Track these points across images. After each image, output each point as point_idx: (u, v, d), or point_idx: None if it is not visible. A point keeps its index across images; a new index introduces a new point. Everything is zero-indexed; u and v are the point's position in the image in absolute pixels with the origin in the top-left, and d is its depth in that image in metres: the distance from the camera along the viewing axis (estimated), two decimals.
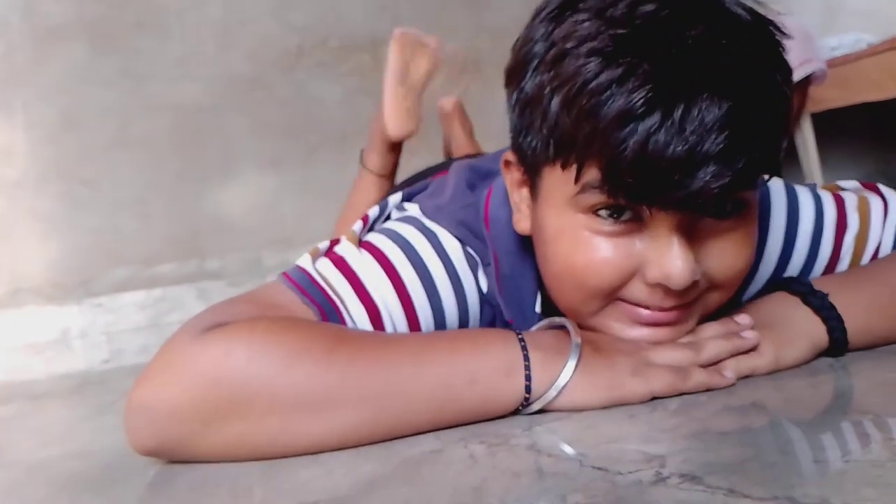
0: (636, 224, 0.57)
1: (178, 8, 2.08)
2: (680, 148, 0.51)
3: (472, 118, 1.68)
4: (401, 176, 1.50)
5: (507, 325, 0.69)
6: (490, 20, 2.19)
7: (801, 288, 0.65)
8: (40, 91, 2.01)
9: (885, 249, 0.73)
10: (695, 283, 0.57)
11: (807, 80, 1.76)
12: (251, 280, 2.02)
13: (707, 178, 0.51)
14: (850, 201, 0.73)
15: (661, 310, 0.59)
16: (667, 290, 0.57)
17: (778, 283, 0.69)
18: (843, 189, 0.75)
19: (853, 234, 0.72)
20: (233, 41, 2.11)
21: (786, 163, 1.92)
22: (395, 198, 0.76)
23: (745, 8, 0.55)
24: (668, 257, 0.55)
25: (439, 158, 1.67)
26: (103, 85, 2.05)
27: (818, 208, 0.72)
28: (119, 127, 2.06)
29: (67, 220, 2.02)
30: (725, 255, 0.58)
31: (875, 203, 0.73)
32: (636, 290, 0.58)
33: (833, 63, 1.90)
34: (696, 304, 0.61)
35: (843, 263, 0.73)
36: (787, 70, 0.56)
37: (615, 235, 0.57)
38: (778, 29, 0.56)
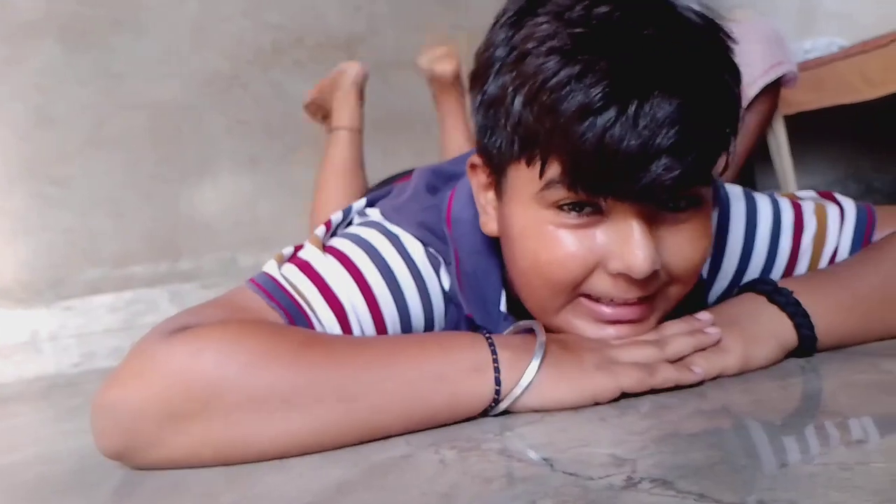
0: (598, 217, 0.58)
1: (153, 5, 2.06)
2: (634, 142, 0.53)
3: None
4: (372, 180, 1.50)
5: (471, 324, 0.70)
6: (466, 20, 2.19)
7: (766, 287, 0.66)
8: (12, 88, 1.98)
9: (842, 254, 0.75)
10: (655, 275, 0.59)
11: (778, 83, 1.77)
12: (226, 281, 2.01)
13: (659, 170, 0.53)
14: (808, 206, 0.76)
15: (625, 304, 0.61)
16: (629, 280, 0.58)
17: (744, 285, 0.70)
18: (799, 196, 0.78)
19: (811, 235, 0.75)
20: (209, 39, 2.10)
21: (759, 165, 1.95)
22: (359, 203, 0.78)
23: (695, 13, 0.58)
24: (629, 247, 0.57)
25: (421, 160, 1.66)
26: (78, 82, 2.02)
27: (776, 210, 0.75)
28: (93, 125, 2.03)
29: (39, 220, 1.99)
30: (683, 247, 0.60)
31: (832, 208, 0.76)
32: (599, 282, 0.60)
33: (807, 66, 1.92)
34: (658, 300, 0.62)
35: (802, 264, 0.75)
36: (736, 71, 0.59)
37: (578, 228, 0.59)
38: (727, 33, 0.59)
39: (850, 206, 0.76)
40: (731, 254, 0.74)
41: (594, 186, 0.56)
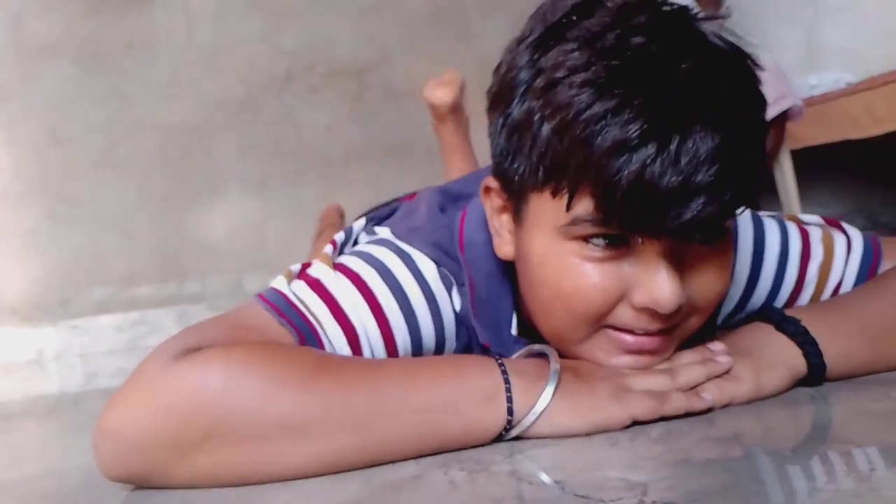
0: (624, 249, 0.57)
1: (167, 30, 2.09)
2: (675, 179, 0.52)
3: None
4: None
5: (482, 346, 0.69)
6: (478, 50, 2.21)
7: (775, 316, 0.66)
8: (26, 107, 2.01)
9: (847, 285, 0.74)
10: (678, 308, 0.57)
11: (783, 116, 1.79)
12: (232, 304, 1.99)
13: (698, 208, 0.52)
14: (815, 234, 0.75)
15: (647, 334, 0.60)
16: (653, 313, 0.57)
17: (752, 313, 0.69)
18: (806, 223, 0.77)
19: (817, 264, 0.74)
20: (222, 64, 2.12)
21: (766, 198, 1.95)
22: (360, 223, 0.77)
23: (723, 40, 0.57)
24: (656, 282, 0.56)
25: (428, 180, 1.67)
26: (91, 103, 2.05)
27: (784, 236, 0.74)
28: (105, 146, 2.05)
29: (48, 238, 2.01)
30: (707, 279, 0.59)
31: (839, 238, 0.75)
32: (623, 314, 0.59)
33: (813, 101, 1.94)
34: (677, 330, 0.61)
35: (807, 292, 0.75)
36: (765, 102, 0.58)
37: (603, 261, 0.57)
38: (754, 61, 0.58)
39: (856, 236, 0.76)
40: (738, 278, 0.73)
41: (629, 223, 0.54)
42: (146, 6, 2.08)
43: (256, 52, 2.15)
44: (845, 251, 0.74)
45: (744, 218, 0.74)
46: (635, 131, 0.51)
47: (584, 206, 0.55)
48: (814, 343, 0.64)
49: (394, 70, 2.23)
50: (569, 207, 0.56)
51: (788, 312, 0.66)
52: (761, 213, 0.76)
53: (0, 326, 1.93)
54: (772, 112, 1.82)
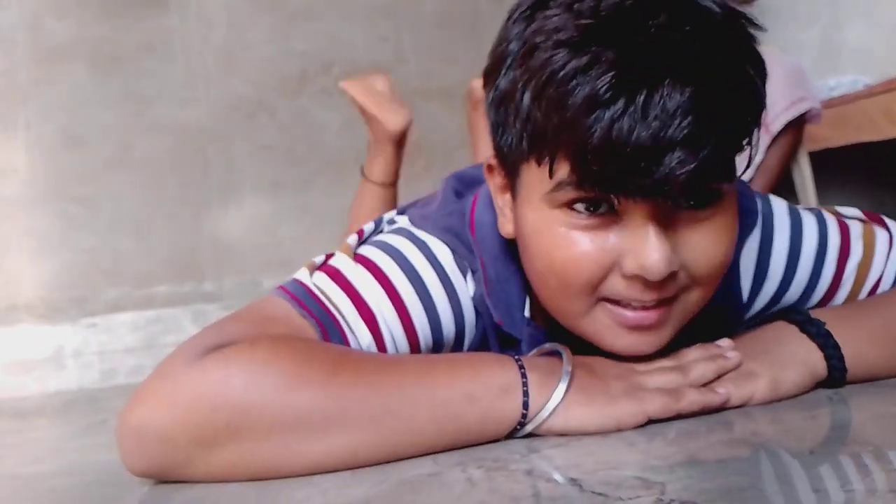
0: (612, 217, 0.56)
1: (182, 31, 2.10)
2: (644, 133, 0.51)
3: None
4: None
5: (500, 332, 0.69)
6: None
7: (799, 317, 0.65)
8: (42, 109, 2.02)
9: (886, 284, 0.73)
10: (673, 276, 0.57)
11: (802, 119, 1.77)
12: (247, 303, 2.01)
13: (673, 164, 0.51)
14: (855, 229, 0.73)
15: (643, 308, 0.59)
16: (645, 282, 0.56)
17: (776, 312, 0.69)
18: (845, 216, 0.75)
19: (856, 261, 0.72)
20: (236, 66, 2.13)
21: (784, 199, 1.94)
22: (390, 213, 0.77)
23: (716, 2, 0.56)
24: (643, 248, 0.55)
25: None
26: (106, 105, 2.06)
27: (822, 231, 0.72)
28: (120, 147, 2.06)
29: (64, 239, 2.02)
30: (703, 246, 0.58)
31: (881, 234, 0.73)
32: (615, 283, 0.58)
33: (831, 103, 1.92)
34: (677, 303, 0.60)
35: (843, 290, 0.73)
36: (760, 61, 0.56)
37: (591, 229, 0.57)
38: (751, 22, 0.57)
39: None
40: (773, 276, 0.71)
41: (603, 183, 0.53)
42: (161, 9, 2.09)
43: (271, 54, 2.16)
44: (886, 249, 0.72)
45: (780, 211, 0.72)
46: (603, 87, 0.51)
47: (564, 169, 0.55)
48: (836, 346, 0.63)
49: (408, 71, 2.23)
50: (551, 173, 0.55)
51: (813, 314, 0.66)
52: (799, 207, 0.74)
53: (17, 325, 1.95)
54: (789, 115, 1.80)
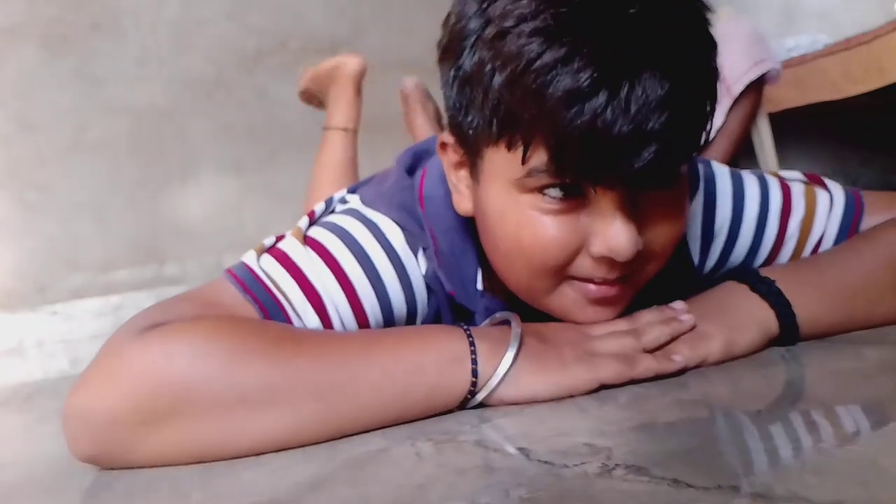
0: (580, 200, 0.57)
1: (133, 9, 2.05)
2: (625, 127, 0.51)
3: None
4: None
5: (453, 307, 0.69)
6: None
7: (749, 276, 0.66)
8: None
9: (828, 241, 0.74)
10: (636, 254, 0.57)
11: (761, 80, 1.78)
12: None
13: (650, 155, 0.52)
14: (797, 189, 0.75)
15: (606, 282, 0.60)
16: (611, 262, 0.58)
17: (726, 273, 0.69)
18: (788, 179, 0.76)
19: (798, 218, 0.73)
20: (190, 43, 2.08)
21: (744, 162, 1.95)
22: (340, 193, 0.76)
23: None
24: (612, 231, 0.56)
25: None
26: (58, 87, 2.01)
27: (764, 192, 0.73)
28: (75, 130, 2.01)
29: (22, 226, 1.98)
30: (663, 225, 0.59)
31: (822, 194, 0.75)
32: (582, 264, 0.59)
33: (790, 63, 1.93)
34: (635, 276, 0.61)
35: (787, 249, 0.74)
36: (714, 43, 0.57)
37: (560, 213, 0.57)
38: (705, 5, 0.57)
39: (838, 192, 0.75)
40: (718, 236, 0.73)
41: (582, 174, 0.54)
42: None
43: (226, 29, 2.11)
44: (827, 206, 0.74)
45: (722, 175, 0.74)
46: (586, 80, 0.51)
47: (539, 157, 0.55)
48: (787, 304, 0.64)
49: (368, 44, 2.20)
50: (524, 160, 0.55)
51: (763, 272, 0.66)
52: (741, 171, 0.76)
53: None
54: (750, 76, 1.80)
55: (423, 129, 1.57)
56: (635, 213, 0.57)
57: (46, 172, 1.99)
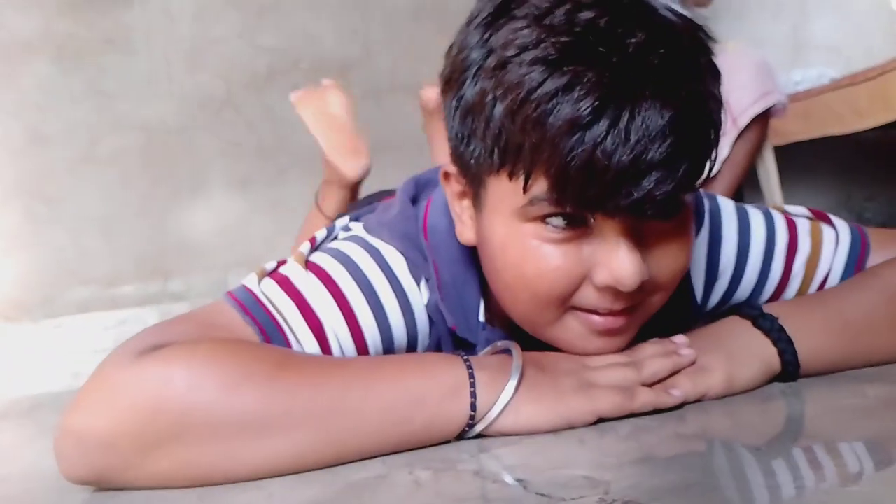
0: (584, 229, 0.57)
1: (146, 27, 2.07)
2: (626, 156, 0.51)
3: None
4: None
5: (455, 338, 0.68)
6: None
7: (752, 312, 0.65)
8: (6, 106, 1.98)
9: (834, 279, 0.74)
10: (641, 285, 0.57)
11: (767, 113, 1.78)
12: None
13: (651, 185, 0.52)
14: (803, 226, 0.74)
15: (611, 313, 0.59)
16: (616, 292, 0.57)
17: (729, 308, 0.69)
18: (792, 214, 0.76)
19: (804, 258, 0.73)
20: (202, 61, 2.10)
21: (749, 194, 1.95)
22: (343, 220, 0.76)
23: (675, 14, 0.56)
24: (616, 261, 0.56)
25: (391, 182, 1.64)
26: (70, 101, 2.02)
27: (769, 228, 0.73)
28: (85, 145, 2.03)
29: (29, 238, 1.98)
30: (668, 255, 0.59)
31: (827, 231, 0.74)
32: (587, 294, 0.58)
33: (797, 97, 1.94)
34: (640, 307, 0.61)
35: (793, 287, 0.74)
36: (717, 73, 0.57)
37: (563, 242, 0.57)
38: (707, 34, 0.57)
39: (844, 229, 0.75)
40: (724, 273, 0.72)
41: (583, 202, 0.54)
42: (125, 3, 2.06)
43: (237, 49, 2.13)
44: (833, 244, 0.74)
45: (728, 210, 0.73)
46: (587, 109, 0.51)
47: (540, 186, 0.55)
48: (789, 341, 0.63)
49: (379, 66, 2.21)
50: (525, 189, 0.55)
51: (766, 308, 0.66)
52: (746, 205, 0.75)
53: None
54: (756, 108, 1.81)
55: (442, 140, 1.53)
56: (640, 243, 0.57)
57: (56, 185, 2.01)
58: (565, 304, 0.59)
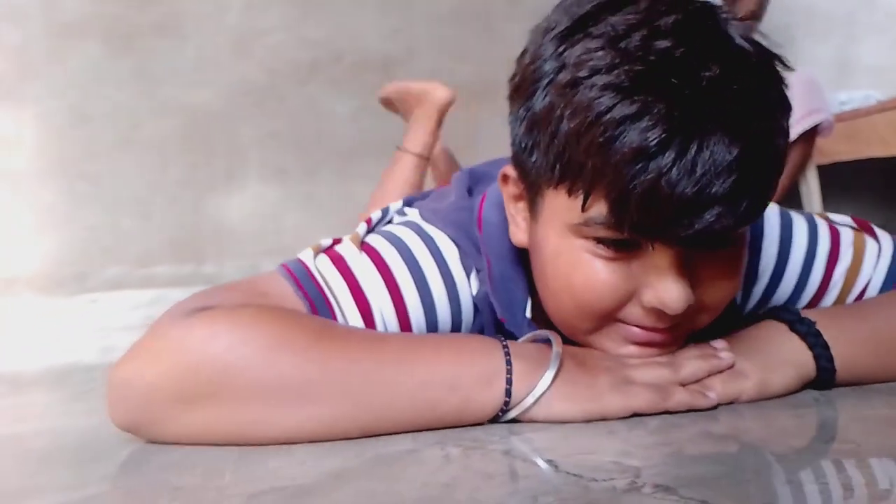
0: (636, 251, 0.57)
1: (196, 13, 2.10)
2: (689, 189, 0.51)
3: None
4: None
5: (500, 329, 0.68)
6: (502, 49, 2.21)
7: (789, 316, 0.65)
8: (53, 85, 2.02)
9: (874, 289, 0.73)
10: (687, 308, 0.57)
11: (813, 131, 1.77)
12: None
13: (712, 218, 0.52)
14: (846, 236, 0.74)
15: (655, 330, 0.60)
16: (661, 313, 0.57)
17: (766, 311, 0.69)
18: (836, 222, 0.75)
19: (844, 267, 0.73)
20: (248, 51, 2.13)
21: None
22: (396, 204, 0.77)
23: (751, 42, 0.56)
24: (664, 284, 0.56)
25: None
26: (116, 84, 2.06)
27: (812, 235, 0.73)
28: (128, 126, 2.06)
29: (68, 215, 2.02)
30: (717, 283, 0.59)
31: (870, 243, 0.74)
32: (632, 311, 0.59)
33: (842, 117, 1.92)
34: (685, 325, 0.61)
35: (831, 295, 0.73)
36: (788, 106, 0.57)
37: (614, 260, 0.57)
38: (781, 62, 0.57)
39: (887, 241, 0.74)
40: (762, 276, 0.72)
41: (641, 230, 0.54)
42: None
43: (283, 40, 2.15)
44: (875, 255, 0.73)
45: (772, 213, 0.73)
46: (654, 139, 0.51)
47: (598, 208, 0.55)
48: (825, 346, 0.63)
49: (421, 64, 2.22)
50: (584, 209, 0.55)
51: (804, 313, 0.65)
52: (791, 210, 0.75)
53: (18, 296, 1.95)
54: (804, 125, 1.79)
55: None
56: (691, 269, 0.57)
57: (96, 165, 2.04)
58: (610, 317, 0.60)
